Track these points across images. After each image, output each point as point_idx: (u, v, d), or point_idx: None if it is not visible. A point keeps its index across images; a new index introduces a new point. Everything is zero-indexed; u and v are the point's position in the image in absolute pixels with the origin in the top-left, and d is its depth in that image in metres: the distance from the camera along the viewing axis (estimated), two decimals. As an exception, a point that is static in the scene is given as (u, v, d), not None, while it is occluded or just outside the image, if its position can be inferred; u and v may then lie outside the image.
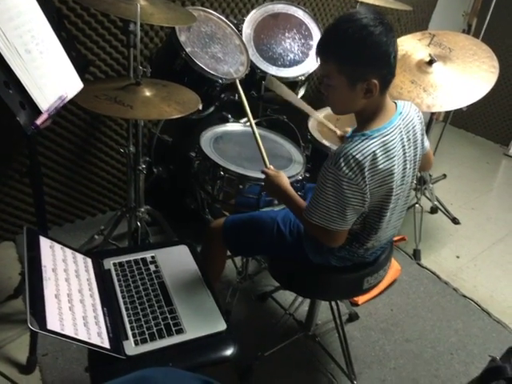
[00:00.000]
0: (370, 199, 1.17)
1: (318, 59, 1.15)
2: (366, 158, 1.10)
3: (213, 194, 1.74)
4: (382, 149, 1.13)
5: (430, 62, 2.19)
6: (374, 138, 1.13)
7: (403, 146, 1.19)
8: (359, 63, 1.09)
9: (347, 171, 1.10)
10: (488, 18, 2.83)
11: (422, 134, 1.30)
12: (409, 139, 1.21)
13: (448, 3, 3.57)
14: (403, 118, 1.20)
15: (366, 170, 1.10)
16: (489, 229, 2.78)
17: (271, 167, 1.47)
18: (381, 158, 1.12)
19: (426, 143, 1.36)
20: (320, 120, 1.90)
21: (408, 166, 1.23)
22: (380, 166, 1.13)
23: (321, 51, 1.14)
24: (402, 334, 1.95)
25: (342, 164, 1.10)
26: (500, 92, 3.76)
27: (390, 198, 1.21)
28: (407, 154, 1.21)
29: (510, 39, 3.61)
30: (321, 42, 1.14)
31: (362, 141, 1.12)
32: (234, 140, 1.89)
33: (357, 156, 1.10)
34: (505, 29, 3.60)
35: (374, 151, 1.11)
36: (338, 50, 1.10)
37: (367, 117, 1.18)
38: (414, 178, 1.31)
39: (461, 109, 2.15)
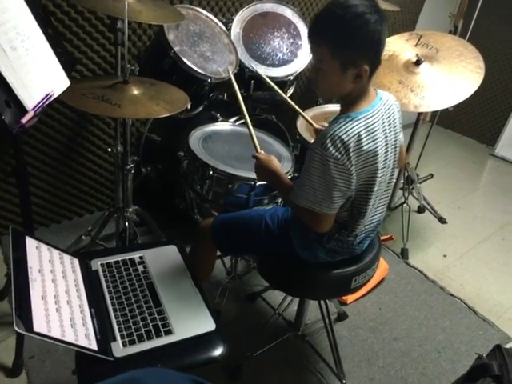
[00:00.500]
0: (356, 181, 1.19)
1: (311, 43, 1.17)
2: (351, 138, 1.12)
3: (202, 194, 1.73)
4: (365, 130, 1.15)
5: (418, 63, 2.21)
6: (358, 120, 1.15)
7: (384, 130, 1.22)
8: (353, 49, 1.11)
9: (333, 151, 1.11)
10: (474, 19, 2.86)
11: (401, 123, 1.33)
12: (389, 123, 1.24)
13: (435, 4, 3.61)
14: (384, 103, 1.24)
15: (351, 150, 1.13)
16: (475, 228, 2.82)
17: (262, 152, 1.47)
18: (365, 138, 1.15)
19: (401, 136, 1.38)
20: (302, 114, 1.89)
21: (389, 149, 1.25)
22: (364, 147, 1.15)
23: (315, 35, 1.15)
24: (390, 333, 1.96)
25: (329, 145, 1.12)
26: (486, 92, 3.81)
27: (374, 180, 1.23)
28: (388, 138, 1.24)
29: (495, 40, 3.67)
30: (315, 27, 1.15)
31: (347, 122, 1.14)
32: (223, 139, 1.88)
33: (342, 136, 1.12)
34: (490, 30, 3.65)
35: (358, 132, 1.14)
36: (334, 36, 1.11)
37: (351, 100, 1.21)
38: (396, 163, 1.33)
39: (447, 109, 2.18)
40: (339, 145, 1.12)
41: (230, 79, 1.64)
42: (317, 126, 1.69)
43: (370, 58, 1.13)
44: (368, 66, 1.12)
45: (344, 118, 1.16)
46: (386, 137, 1.22)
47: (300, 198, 1.21)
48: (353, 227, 1.31)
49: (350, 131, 1.13)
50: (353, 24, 1.08)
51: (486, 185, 3.47)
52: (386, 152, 1.23)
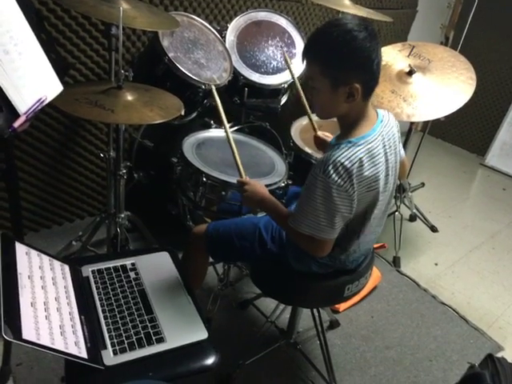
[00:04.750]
0: (357, 206, 1.18)
1: (304, 61, 1.17)
2: (353, 164, 1.12)
3: (195, 201, 1.72)
4: (367, 155, 1.14)
5: (410, 73, 2.23)
6: (360, 145, 1.14)
7: (385, 153, 1.21)
8: (342, 67, 1.11)
9: (336, 178, 1.10)
10: (465, 30, 2.90)
11: (399, 142, 1.33)
12: (390, 146, 1.24)
13: (426, 16, 3.66)
14: (384, 126, 1.23)
15: (354, 176, 1.12)
16: (466, 236, 2.84)
17: (247, 178, 1.43)
18: (367, 164, 1.14)
19: (402, 151, 1.39)
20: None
21: (390, 172, 1.25)
22: (366, 173, 1.14)
23: (306, 53, 1.17)
24: (382, 341, 1.96)
25: (332, 171, 1.10)
26: (476, 103, 3.86)
27: (375, 204, 1.23)
28: (389, 161, 1.23)
29: (486, 51, 3.72)
30: (307, 45, 1.17)
31: (349, 148, 1.13)
32: (216, 146, 1.88)
33: (345, 163, 1.11)
34: (481, 41, 3.70)
35: (360, 158, 1.13)
36: (323, 53, 1.12)
37: (350, 123, 1.20)
38: (395, 184, 1.33)
39: (439, 119, 2.20)
40: (342, 171, 1.11)
41: (211, 91, 1.58)
42: (320, 133, 1.64)
43: (361, 76, 1.12)
44: (359, 84, 1.11)
45: (346, 144, 1.14)
46: (387, 160, 1.22)
47: (301, 225, 1.19)
48: (346, 246, 1.31)
49: (353, 157, 1.12)
50: (340, 40, 1.08)
51: (476, 194, 3.50)
52: (386, 176, 1.23)
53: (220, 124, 2.05)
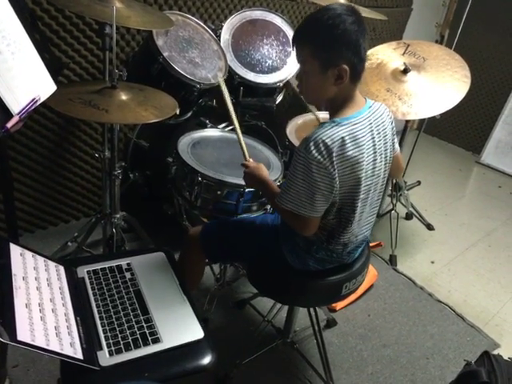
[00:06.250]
0: (340, 187, 1.19)
1: (294, 46, 1.21)
2: (334, 142, 1.14)
3: (190, 200, 1.71)
4: (350, 136, 1.16)
5: (405, 71, 2.24)
6: (343, 126, 1.17)
7: (373, 138, 1.22)
8: (332, 48, 1.14)
9: (316, 155, 1.13)
10: (460, 28, 2.91)
11: (393, 134, 1.34)
12: (378, 132, 1.25)
13: (421, 14, 3.67)
14: (373, 112, 1.25)
15: (334, 154, 1.14)
16: (462, 234, 2.85)
17: (251, 160, 1.49)
18: (349, 144, 1.16)
19: (397, 145, 1.40)
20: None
21: (378, 158, 1.25)
22: (348, 153, 1.16)
23: (297, 37, 1.20)
24: (379, 340, 1.96)
25: (312, 148, 1.13)
26: (472, 101, 3.87)
27: (359, 188, 1.23)
28: (377, 146, 1.24)
29: (481, 49, 3.73)
30: (298, 29, 1.21)
31: (332, 127, 1.16)
32: (211, 145, 1.87)
33: (326, 140, 1.13)
34: (476, 39, 3.71)
35: (342, 137, 1.15)
36: (313, 35, 1.16)
37: (337, 105, 1.23)
38: (387, 172, 1.34)
39: (434, 117, 2.20)
40: (322, 148, 1.13)
41: (220, 86, 1.63)
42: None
43: (350, 57, 1.15)
44: (348, 66, 1.14)
45: (329, 123, 1.17)
46: (374, 144, 1.23)
47: (284, 201, 1.22)
48: (340, 235, 1.31)
49: (334, 136, 1.14)
50: (330, 23, 1.12)
51: (472, 192, 3.51)
52: (374, 160, 1.24)
53: (216, 123, 2.07)
